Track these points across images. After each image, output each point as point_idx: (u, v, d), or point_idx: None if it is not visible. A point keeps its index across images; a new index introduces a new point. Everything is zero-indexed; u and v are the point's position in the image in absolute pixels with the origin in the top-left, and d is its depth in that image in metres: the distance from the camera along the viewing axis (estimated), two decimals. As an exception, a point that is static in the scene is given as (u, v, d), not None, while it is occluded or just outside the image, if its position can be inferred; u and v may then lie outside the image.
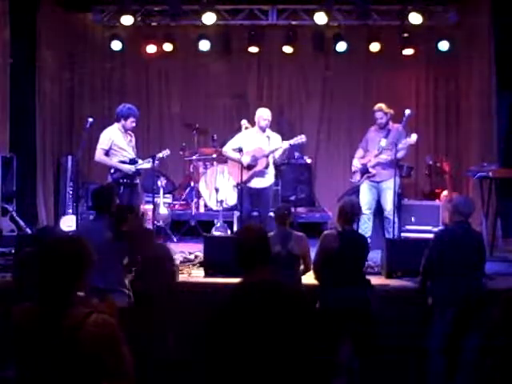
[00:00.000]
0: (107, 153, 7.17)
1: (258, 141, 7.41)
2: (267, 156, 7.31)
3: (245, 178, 7.28)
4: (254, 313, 2.39)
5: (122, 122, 7.21)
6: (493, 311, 3.09)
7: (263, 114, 7.40)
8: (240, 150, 7.29)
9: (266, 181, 7.41)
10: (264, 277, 2.78)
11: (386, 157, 7.33)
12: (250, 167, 7.31)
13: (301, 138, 7.31)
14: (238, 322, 2.39)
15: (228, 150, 7.55)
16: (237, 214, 8.04)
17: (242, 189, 7.34)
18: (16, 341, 2.57)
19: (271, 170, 7.45)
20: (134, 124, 7.27)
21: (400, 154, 7.28)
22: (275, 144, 7.35)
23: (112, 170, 7.17)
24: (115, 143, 7.17)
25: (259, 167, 7.31)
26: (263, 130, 7.39)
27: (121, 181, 7.10)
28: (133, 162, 7.22)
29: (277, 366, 2.32)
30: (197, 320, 5.58)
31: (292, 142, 7.31)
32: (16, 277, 5.14)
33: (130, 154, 7.25)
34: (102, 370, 2.45)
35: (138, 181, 7.33)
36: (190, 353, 5.54)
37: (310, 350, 2.42)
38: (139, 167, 7.24)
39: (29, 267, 4.96)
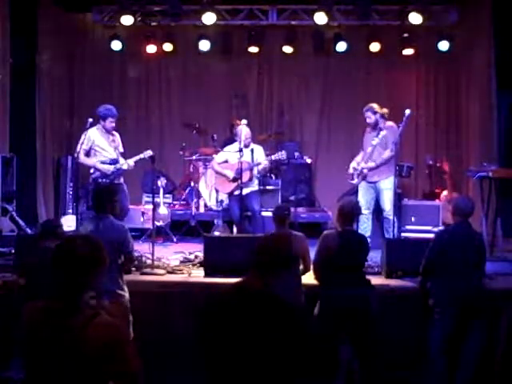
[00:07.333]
0: (88, 153, 7.28)
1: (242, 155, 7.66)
2: (251, 169, 7.67)
3: (231, 188, 7.74)
4: (243, 320, 2.35)
5: (102, 122, 7.32)
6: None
7: (245, 133, 7.64)
8: (226, 161, 7.87)
9: (251, 189, 7.79)
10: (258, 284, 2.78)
11: (365, 165, 7.32)
12: (235, 179, 7.68)
13: (281, 155, 7.77)
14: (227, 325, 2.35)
15: (215, 165, 8.02)
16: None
17: (231, 199, 7.82)
18: (25, 338, 2.56)
19: (255, 181, 7.87)
20: (113, 124, 7.36)
21: (388, 154, 7.23)
22: (258, 157, 7.74)
23: (91, 170, 7.30)
24: (96, 143, 7.28)
25: (244, 179, 7.52)
26: (246, 146, 7.64)
27: (100, 180, 7.18)
28: (114, 162, 7.28)
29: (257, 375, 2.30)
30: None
31: (273, 157, 7.82)
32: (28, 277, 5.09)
33: (112, 154, 7.32)
34: (106, 371, 2.47)
35: (120, 181, 7.34)
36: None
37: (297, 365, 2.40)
38: (118, 167, 7.27)
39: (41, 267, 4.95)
